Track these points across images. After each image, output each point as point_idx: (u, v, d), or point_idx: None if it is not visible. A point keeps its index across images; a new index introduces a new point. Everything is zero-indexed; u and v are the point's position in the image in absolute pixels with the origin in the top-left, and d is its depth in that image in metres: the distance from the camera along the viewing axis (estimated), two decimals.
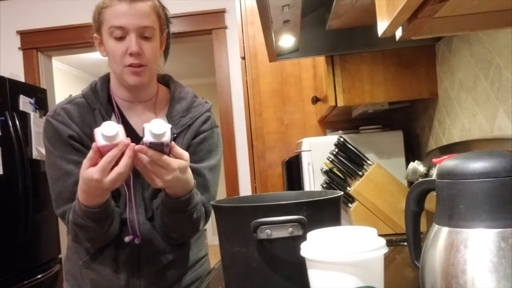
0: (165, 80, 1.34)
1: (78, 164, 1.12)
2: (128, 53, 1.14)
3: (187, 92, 1.31)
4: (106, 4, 1.16)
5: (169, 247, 1.25)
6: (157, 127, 0.97)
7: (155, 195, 1.22)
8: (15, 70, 3.50)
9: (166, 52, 1.31)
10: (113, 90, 1.25)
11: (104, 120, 1.19)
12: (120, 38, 1.15)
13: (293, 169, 2.02)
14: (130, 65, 1.15)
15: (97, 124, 1.14)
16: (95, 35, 1.23)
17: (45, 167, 1.21)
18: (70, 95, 1.30)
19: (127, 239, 1.19)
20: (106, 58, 1.22)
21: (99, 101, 1.22)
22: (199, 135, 1.27)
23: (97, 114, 1.21)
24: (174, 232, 1.22)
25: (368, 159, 1.80)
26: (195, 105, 1.29)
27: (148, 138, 0.98)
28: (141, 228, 1.20)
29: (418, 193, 0.76)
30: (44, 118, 1.22)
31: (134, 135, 1.19)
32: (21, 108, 3.01)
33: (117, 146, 0.98)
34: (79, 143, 1.19)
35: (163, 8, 1.24)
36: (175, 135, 1.23)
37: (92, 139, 1.04)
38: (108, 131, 0.96)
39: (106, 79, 1.27)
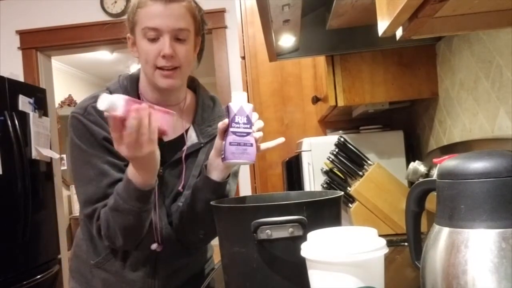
0: (193, 85, 1.31)
1: (114, 165, 1.14)
2: (161, 55, 1.11)
3: (213, 99, 1.31)
4: (141, 4, 1.12)
5: (186, 250, 1.26)
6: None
7: (175, 199, 1.22)
8: (15, 70, 3.50)
9: (200, 55, 1.28)
10: (142, 91, 1.22)
11: None
12: (154, 40, 1.11)
13: (293, 169, 2.02)
14: (162, 68, 1.13)
15: None
16: (128, 35, 1.19)
17: (72, 165, 1.18)
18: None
19: (153, 246, 1.19)
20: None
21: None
22: None
23: None
24: (202, 228, 1.21)
25: (369, 159, 1.80)
26: (220, 115, 1.28)
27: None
28: (163, 232, 1.20)
29: (418, 193, 0.75)
30: (72, 115, 1.18)
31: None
32: (21, 108, 3.01)
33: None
34: (113, 145, 1.14)
35: (200, 9, 1.20)
36: (201, 145, 1.24)
37: None
38: (102, 105, 0.95)
39: (135, 78, 1.24)
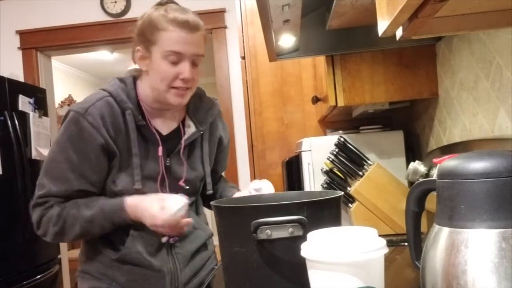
0: None
1: (88, 177, 1.20)
2: (180, 78, 1.19)
3: (198, 88, 1.36)
4: (163, 26, 1.18)
5: (198, 238, 1.36)
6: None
7: (189, 192, 1.30)
8: (15, 70, 3.50)
9: None
10: (142, 98, 1.26)
11: (136, 121, 1.22)
12: (174, 63, 1.19)
13: (293, 169, 2.02)
14: (177, 87, 1.21)
15: (128, 127, 1.20)
16: (138, 48, 1.22)
17: (52, 157, 1.21)
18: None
19: (164, 239, 1.26)
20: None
21: (131, 103, 1.23)
22: (223, 143, 1.43)
23: (128, 115, 1.22)
24: None
25: (369, 159, 1.80)
26: (209, 104, 1.38)
27: None
28: None
29: (418, 193, 0.75)
30: (71, 112, 1.20)
31: (153, 137, 1.25)
32: (20, 108, 3.01)
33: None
34: (106, 152, 1.20)
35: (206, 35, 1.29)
36: (201, 132, 1.33)
37: (120, 145, 1.18)
38: (181, 209, 1.15)
39: (132, 82, 1.27)
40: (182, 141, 1.29)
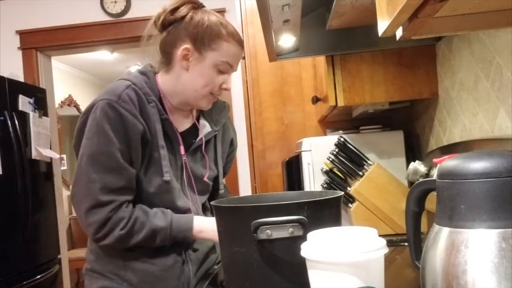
0: None
1: (134, 163, 1.19)
2: (222, 87, 1.25)
3: None
4: (225, 37, 1.23)
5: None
6: None
7: (203, 190, 1.34)
8: (15, 70, 3.50)
9: None
10: (165, 94, 1.27)
11: (160, 114, 1.22)
12: (221, 72, 1.24)
13: (293, 169, 2.02)
14: (214, 94, 1.26)
15: (152, 118, 1.20)
16: (188, 47, 1.22)
17: (90, 151, 1.16)
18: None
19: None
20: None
21: (154, 95, 1.24)
22: (234, 144, 1.48)
23: (152, 107, 1.21)
24: None
25: (369, 159, 1.80)
26: (222, 105, 1.41)
27: None
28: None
29: (418, 193, 0.75)
30: (103, 101, 1.16)
31: (174, 134, 1.27)
32: (20, 108, 3.01)
33: None
34: (143, 140, 1.19)
35: None
36: (216, 132, 1.36)
37: (151, 132, 1.18)
38: None
39: (154, 77, 1.28)
40: (203, 137, 1.32)
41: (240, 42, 1.26)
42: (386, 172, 1.77)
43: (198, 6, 1.28)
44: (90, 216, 1.16)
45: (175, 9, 1.24)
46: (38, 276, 2.99)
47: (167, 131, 1.25)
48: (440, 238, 0.63)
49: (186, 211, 1.26)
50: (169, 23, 1.24)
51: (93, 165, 1.15)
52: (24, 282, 2.84)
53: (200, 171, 1.33)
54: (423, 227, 0.82)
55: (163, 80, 1.28)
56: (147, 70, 1.28)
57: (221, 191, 1.39)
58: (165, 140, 1.24)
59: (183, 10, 1.24)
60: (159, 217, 1.19)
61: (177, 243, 1.23)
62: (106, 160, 1.15)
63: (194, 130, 1.33)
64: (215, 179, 1.39)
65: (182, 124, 1.31)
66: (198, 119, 1.35)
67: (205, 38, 1.22)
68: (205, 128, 1.34)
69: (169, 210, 1.23)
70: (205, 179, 1.32)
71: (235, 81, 3.35)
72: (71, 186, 1.21)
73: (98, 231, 1.16)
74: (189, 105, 1.29)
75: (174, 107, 1.29)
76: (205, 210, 1.40)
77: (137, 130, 1.17)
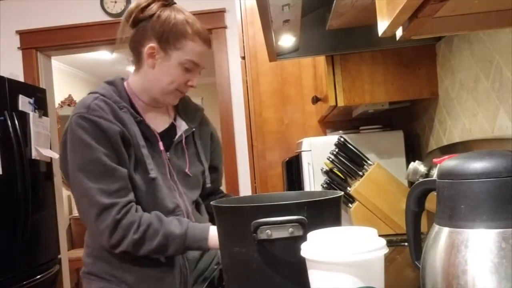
0: None
1: (122, 163, 1.20)
2: (188, 84, 1.29)
3: None
4: (190, 36, 1.25)
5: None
6: None
7: (192, 185, 1.36)
8: (15, 70, 3.49)
9: None
10: (137, 94, 1.32)
11: (134, 118, 1.25)
12: (188, 70, 1.27)
13: (293, 169, 2.02)
14: (181, 91, 1.30)
15: (128, 121, 1.23)
16: (154, 45, 1.25)
17: (78, 163, 1.18)
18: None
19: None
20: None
21: (124, 101, 1.27)
22: (214, 137, 1.49)
23: (124, 112, 1.25)
24: None
25: (369, 159, 1.80)
26: (192, 103, 1.46)
27: None
28: (189, 215, 1.31)
29: (418, 193, 0.75)
30: (74, 117, 1.20)
31: (151, 133, 1.29)
32: (20, 108, 3.01)
33: None
34: (123, 141, 1.21)
35: None
36: (193, 129, 1.39)
37: (130, 133, 1.21)
38: None
39: (121, 84, 1.32)
40: (182, 133, 1.35)
41: (206, 41, 1.28)
42: (386, 172, 1.77)
43: (168, 4, 1.28)
44: (99, 223, 1.17)
45: (145, 7, 1.26)
46: (38, 276, 2.99)
47: (144, 131, 1.27)
48: (440, 238, 0.63)
49: (175, 207, 1.27)
50: (139, 21, 1.27)
51: (84, 175, 1.18)
52: (24, 282, 2.84)
53: (185, 166, 1.35)
54: (423, 227, 0.82)
55: (134, 79, 1.32)
56: (115, 79, 1.33)
57: (208, 185, 1.40)
58: (145, 140, 1.27)
59: (153, 8, 1.26)
60: (174, 225, 1.20)
61: None
62: (95, 167, 1.18)
63: (172, 129, 1.37)
64: (204, 174, 1.41)
65: (160, 122, 1.34)
66: (175, 120, 1.39)
67: (170, 37, 1.24)
68: (182, 125, 1.38)
69: (185, 219, 1.24)
70: (187, 171, 1.33)
71: (235, 81, 3.36)
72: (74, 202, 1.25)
73: (110, 236, 1.17)
74: (157, 101, 1.32)
75: (146, 105, 1.32)
76: (198, 206, 1.41)
77: (114, 131, 1.19)
